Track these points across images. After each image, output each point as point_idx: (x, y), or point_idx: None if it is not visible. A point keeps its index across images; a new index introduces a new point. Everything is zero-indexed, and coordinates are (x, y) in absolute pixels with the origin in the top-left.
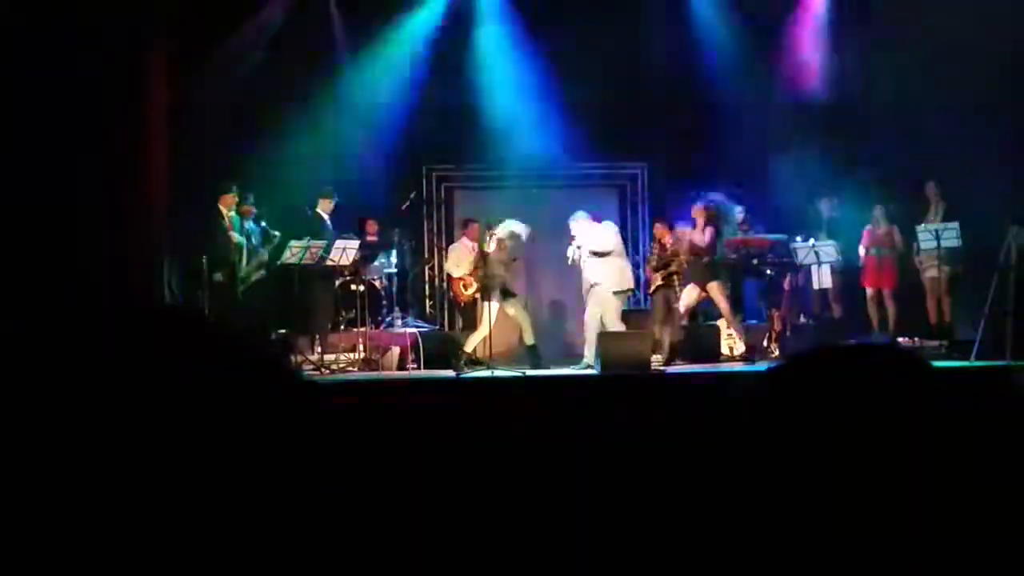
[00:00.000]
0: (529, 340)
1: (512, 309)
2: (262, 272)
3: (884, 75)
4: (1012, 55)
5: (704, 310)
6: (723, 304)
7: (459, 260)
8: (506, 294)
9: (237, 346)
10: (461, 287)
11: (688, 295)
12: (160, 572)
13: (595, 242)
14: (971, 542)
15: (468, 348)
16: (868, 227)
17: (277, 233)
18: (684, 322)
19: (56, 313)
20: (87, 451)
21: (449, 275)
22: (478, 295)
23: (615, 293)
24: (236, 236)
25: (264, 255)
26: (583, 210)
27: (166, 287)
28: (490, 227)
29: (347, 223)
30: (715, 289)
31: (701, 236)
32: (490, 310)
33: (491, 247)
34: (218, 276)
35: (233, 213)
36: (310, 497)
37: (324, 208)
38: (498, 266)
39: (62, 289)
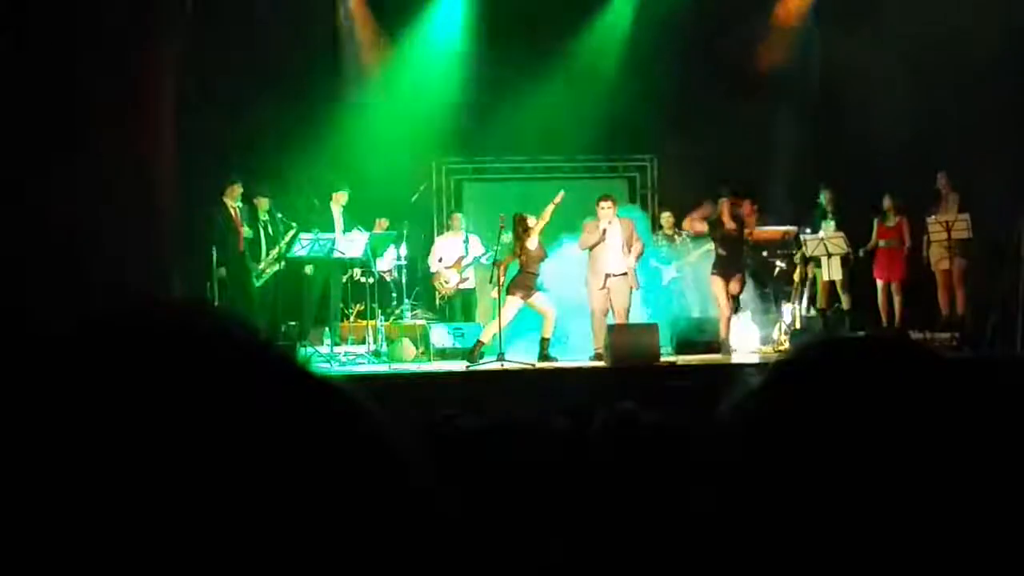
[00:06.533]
0: (546, 333)
1: (536, 302)
2: (280, 264)
3: (893, 65)
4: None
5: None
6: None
7: (441, 254)
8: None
9: (245, 340)
10: (441, 283)
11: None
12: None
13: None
14: (980, 541)
15: (485, 338)
16: (877, 219)
17: (294, 224)
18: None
19: (60, 314)
20: (92, 454)
21: (434, 271)
22: (458, 288)
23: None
24: (246, 229)
25: (281, 247)
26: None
27: (176, 283)
28: (523, 222)
29: (358, 217)
30: (739, 282)
31: None
32: (500, 303)
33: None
34: (221, 272)
35: (239, 204)
36: (321, 499)
37: (338, 201)
38: (527, 262)
39: (67, 289)
